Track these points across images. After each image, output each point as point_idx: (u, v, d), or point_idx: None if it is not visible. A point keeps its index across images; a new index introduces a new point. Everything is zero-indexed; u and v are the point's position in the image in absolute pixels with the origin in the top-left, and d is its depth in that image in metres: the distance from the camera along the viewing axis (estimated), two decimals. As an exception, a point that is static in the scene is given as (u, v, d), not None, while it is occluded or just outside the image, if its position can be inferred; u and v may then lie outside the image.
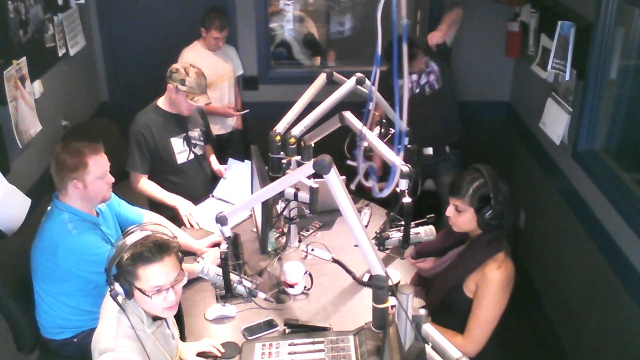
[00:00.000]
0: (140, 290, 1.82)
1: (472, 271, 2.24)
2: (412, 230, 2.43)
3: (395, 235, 2.43)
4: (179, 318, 2.31)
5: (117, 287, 1.82)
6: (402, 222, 2.41)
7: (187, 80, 3.11)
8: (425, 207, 2.59)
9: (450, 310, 2.33)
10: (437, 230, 2.46)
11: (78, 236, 2.40)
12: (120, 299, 1.85)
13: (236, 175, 3.43)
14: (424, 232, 2.43)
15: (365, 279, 2.52)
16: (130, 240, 1.82)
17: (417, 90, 3.75)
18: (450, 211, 2.28)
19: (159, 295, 1.84)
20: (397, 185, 2.32)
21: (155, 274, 1.81)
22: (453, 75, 3.89)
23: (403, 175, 2.31)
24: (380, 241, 2.42)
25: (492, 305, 2.20)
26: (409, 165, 2.34)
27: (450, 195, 2.28)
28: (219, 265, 2.21)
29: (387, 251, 2.59)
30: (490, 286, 2.18)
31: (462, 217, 2.26)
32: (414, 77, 3.76)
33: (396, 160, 2.28)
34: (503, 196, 2.19)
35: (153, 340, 1.91)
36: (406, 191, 2.34)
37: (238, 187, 3.32)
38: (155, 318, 1.95)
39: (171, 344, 2.04)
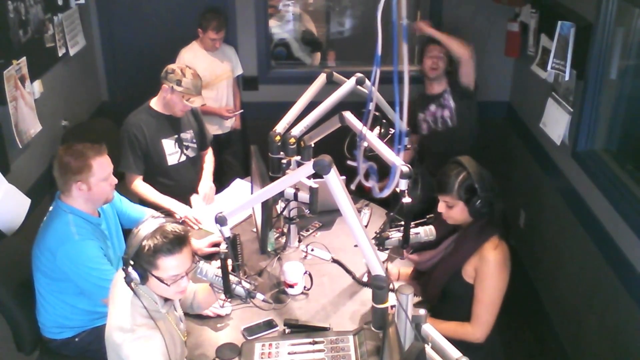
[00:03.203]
0: (158, 278, 1.88)
1: (469, 257, 2.30)
2: (412, 231, 2.42)
3: (395, 235, 2.43)
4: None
5: (132, 272, 1.87)
6: (402, 222, 2.40)
7: (184, 81, 3.09)
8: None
9: (450, 299, 2.37)
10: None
11: (80, 243, 2.41)
12: (133, 284, 1.91)
13: (239, 192, 3.38)
14: (424, 232, 2.43)
15: (365, 279, 2.52)
16: (145, 230, 1.87)
17: (433, 125, 3.77)
18: (441, 207, 2.36)
19: (175, 283, 1.91)
20: (397, 185, 2.32)
21: (174, 265, 1.89)
22: (472, 116, 3.77)
23: (403, 176, 2.31)
24: (380, 241, 2.42)
25: (494, 286, 2.26)
26: (408, 166, 2.34)
27: (438, 193, 2.35)
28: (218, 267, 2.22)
29: (387, 251, 2.59)
30: (490, 267, 2.25)
31: (453, 211, 2.32)
32: (432, 108, 3.74)
33: (396, 160, 2.29)
34: (488, 183, 2.26)
35: (167, 320, 1.99)
36: (406, 191, 2.34)
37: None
38: (166, 299, 2.02)
39: (180, 326, 2.11)
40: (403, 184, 2.32)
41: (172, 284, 1.90)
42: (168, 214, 3.04)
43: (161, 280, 1.89)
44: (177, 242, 1.88)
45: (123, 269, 1.90)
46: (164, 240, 1.86)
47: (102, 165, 2.46)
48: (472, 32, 4.40)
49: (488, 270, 2.25)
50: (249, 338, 2.26)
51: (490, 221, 2.30)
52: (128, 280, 1.89)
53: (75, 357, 2.60)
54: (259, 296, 2.26)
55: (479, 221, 2.30)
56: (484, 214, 2.27)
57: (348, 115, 2.67)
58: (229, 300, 2.38)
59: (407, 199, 2.33)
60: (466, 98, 3.69)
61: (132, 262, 1.86)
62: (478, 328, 2.27)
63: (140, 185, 3.17)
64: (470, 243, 2.32)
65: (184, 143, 3.30)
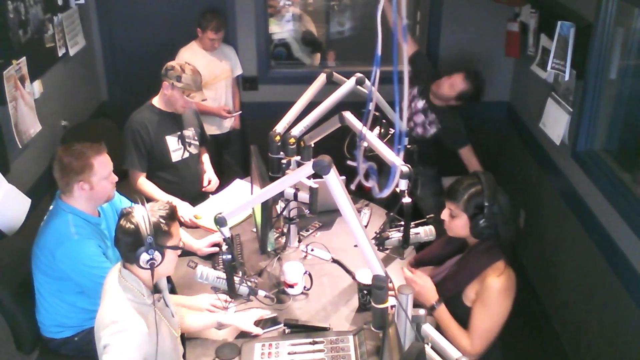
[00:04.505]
0: (173, 247, 2.01)
1: (470, 280, 2.22)
2: (412, 231, 2.42)
3: (395, 235, 2.43)
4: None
5: (155, 254, 1.94)
6: (402, 222, 2.40)
7: (184, 77, 3.11)
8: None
9: None
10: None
11: (79, 242, 2.42)
12: (120, 276, 1.99)
13: (239, 193, 3.38)
14: (424, 232, 2.43)
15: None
16: (140, 215, 1.94)
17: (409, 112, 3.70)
18: (445, 214, 2.28)
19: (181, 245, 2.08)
20: (396, 185, 2.32)
21: (178, 228, 2.07)
22: (455, 137, 3.65)
23: (403, 176, 2.31)
24: (380, 241, 2.42)
25: (493, 314, 2.17)
26: (408, 166, 2.34)
27: (446, 199, 2.27)
28: (217, 268, 2.23)
29: (387, 251, 2.59)
30: (492, 294, 2.15)
31: (455, 222, 2.24)
32: (420, 103, 3.68)
33: (396, 160, 2.29)
34: (499, 207, 2.17)
35: (155, 311, 2.01)
36: (406, 191, 2.34)
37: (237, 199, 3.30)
38: (154, 291, 2.05)
39: (172, 320, 2.12)
40: (403, 184, 2.32)
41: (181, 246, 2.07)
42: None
43: (176, 247, 2.02)
44: (173, 209, 2.04)
45: (144, 254, 1.93)
46: (166, 209, 2.00)
47: (103, 164, 2.47)
48: (471, 32, 4.41)
49: (489, 297, 2.16)
50: (253, 335, 2.27)
51: (494, 245, 2.21)
52: (152, 264, 1.95)
53: (74, 356, 2.60)
54: (261, 292, 2.27)
55: (485, 243, 2.22)
56: (485, 235, 2.19)
57: (348, 115, 2.67)
58: (232, 301, 2.39)
59: (406, 199, 2.33)
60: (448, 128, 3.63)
61: (155, 244, 1.93)
62: (471, 348, 2.18)
63: (145, 183, 3.20)
64: (472, 266, 2.23)
65: (187, 140, 3.33)
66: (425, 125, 3.67)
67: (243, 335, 2.27)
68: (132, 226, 1.93)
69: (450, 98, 3.57)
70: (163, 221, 1.96)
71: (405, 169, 2.31)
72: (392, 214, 2.45)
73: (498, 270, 2.17)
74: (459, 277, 2.26)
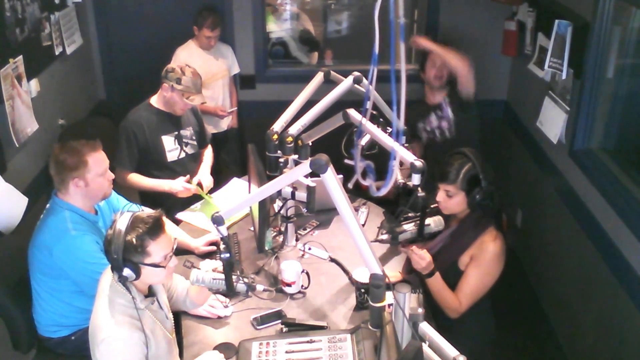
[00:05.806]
0: (152, 265, 1.92)
1: (466, 248, 2.36)
2: None
3: (408, 228, 2.42)
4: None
5: (126, 271, 1.88)
6: (410, 215, 2.41)
7: (184, 80, 3.11)
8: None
9: None
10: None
11: (76, 238, 2.41)
12: (114, 281, 1.95)
13: (236, 192, 3.37)
14: (434, 222, 2.43)
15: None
16: (121, 226, 1.89)
17: (432, 135, 3.59)
18: (440, 196, 2.38)
19: (167, 261, 1.97)
20: (410, 180, 2.37)
21: (162, 246, 1.94)
22: (474, 128, 3.57)
23: (416, 170, 2.33)
24: (394, 235, 2.41)
25: (484, 274, 2.32)
26: (422, 160, 2.34)
27: (440, 182, 2.37)
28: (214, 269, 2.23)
29: (400, 245, 2.57)
30: (488, 256, 2.31)
31: (452, 200, 2.36)
32: (432, 118, 3.55)
33: (408, 156, 2.31)
34: (491, 176, 2.31)
35: (149, 315, 2.00)
36: (420, 186, 2.35)
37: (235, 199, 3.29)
38: (147, 295, 2.04)
39: (166, 322, 2.12)
40: (416, 179, 2.34)
41: (167, 263, 1.96)
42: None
43: (156, 265, 1.93)
44: (158, 224, 1.93)
45: (115, 272, 1.91)
46: (146, 226, 1.90)
47: (97, 161, 2.47)
48: (469, 30, 4.40)
49: (485, 258, 2.31)
50: (258, 327, 2.30)
51: (486, 213, 2.34)
52: (122, 281, 1.91)
53: (71, 355, 2.59)
54: (259, 287, 2.29)
55: (476, 213, 2.35)
56: (483, 207, 2.32)
57: (352, 112, 2.66)
58: (230, 302, 2.39)
59: (421, 193, 2.34)
60: (467, 110, 3.50)
61: (123, 261, 1.87)
62: (459, 306, 2.33)
63: (134, 176, 3.21)
64: (468, 235, 2.36)
65: (184, 140, 3.32)
66: (448, 122, 3.52)
67: (241, 335, 2.28)
68: (108, 238, 1.89)
69: (444, 76, 3.51)
70: (138, 241, 1.87)
71: (419, 163, 2.32)
72: (401, 208, 2.44)
73: (492, 235, 2.34)
74: (455, 247, 2.39)
